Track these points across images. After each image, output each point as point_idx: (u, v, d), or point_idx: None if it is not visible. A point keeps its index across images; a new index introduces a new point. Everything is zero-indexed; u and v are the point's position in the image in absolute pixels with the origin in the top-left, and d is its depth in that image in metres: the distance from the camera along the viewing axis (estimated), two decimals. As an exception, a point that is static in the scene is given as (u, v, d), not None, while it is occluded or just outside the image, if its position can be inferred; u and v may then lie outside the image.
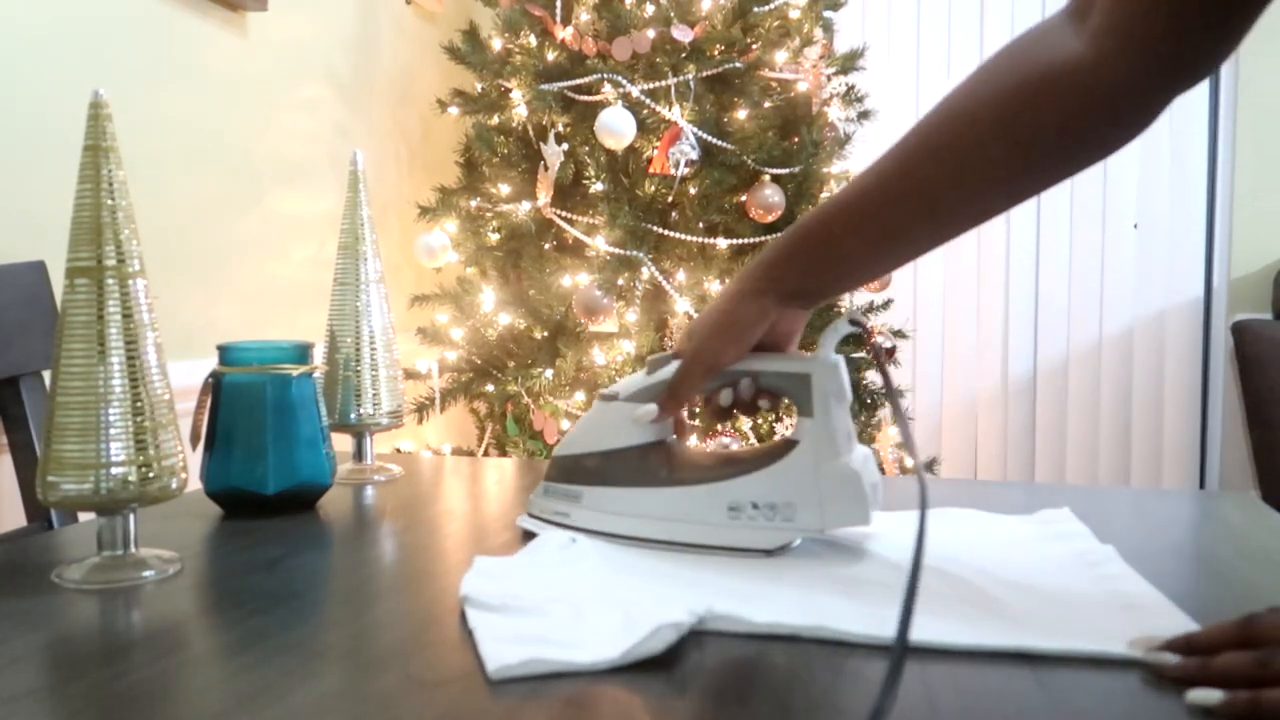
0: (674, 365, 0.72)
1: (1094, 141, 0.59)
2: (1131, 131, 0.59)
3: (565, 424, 1.97)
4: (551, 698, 0.46)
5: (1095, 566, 0.66)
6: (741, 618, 0.55)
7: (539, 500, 0.76)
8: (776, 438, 0.77)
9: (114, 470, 0.64)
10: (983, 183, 0.61)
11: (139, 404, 0.65)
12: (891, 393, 0.68)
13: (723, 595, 0.59)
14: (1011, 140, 0.58)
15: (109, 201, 0.65)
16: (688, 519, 0.70)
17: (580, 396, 1.99)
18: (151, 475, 0.66)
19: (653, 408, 0.72)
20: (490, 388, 2.04)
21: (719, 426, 1.90)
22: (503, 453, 2.10)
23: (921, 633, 0.53)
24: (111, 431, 0.64)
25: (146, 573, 0.65)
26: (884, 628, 0.54)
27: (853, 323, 0.69)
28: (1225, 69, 2.92)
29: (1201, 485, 3.02)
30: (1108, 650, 0.51)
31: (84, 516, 0.96)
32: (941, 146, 0.61)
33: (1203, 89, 2.90)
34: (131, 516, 0.67)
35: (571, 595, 0.59)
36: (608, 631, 0.52)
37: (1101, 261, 2.99)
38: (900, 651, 0.43)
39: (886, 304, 2.32)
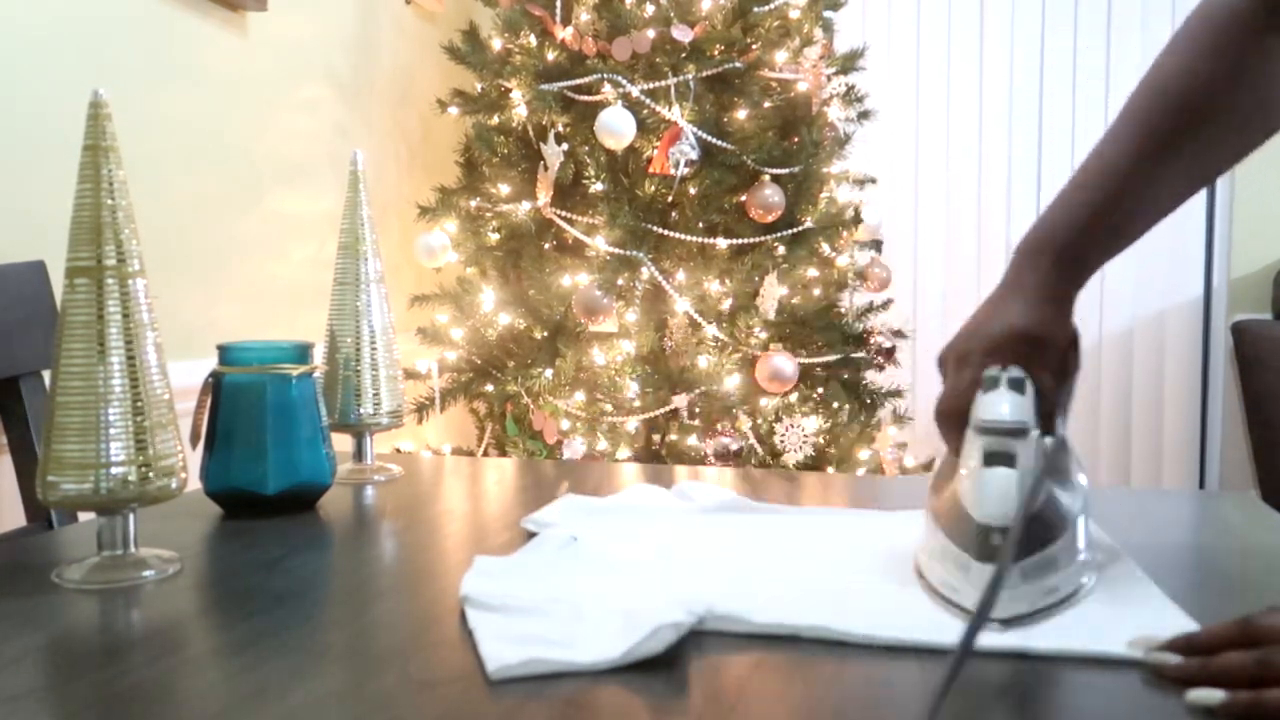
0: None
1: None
2: None
3: (565, 424, 1.97)
4: (551, 698, 0.46)
5: (1095, 568, 0.66)
6: (741, 618, 0.55)
7: (1013, 590, 0.55)
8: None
9: (114, 470, 0.64)
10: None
11: (139, 404, 0.65)
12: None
13: (723, 595, 0.59)
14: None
15: (109, 201, 0.65)
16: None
17: (580, 396, 1.99)
18: (151, 475, 0.66)
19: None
20: (490, 388, 2.04)
21: (717, 426, 1.90)
22: (503, 453, 2.10)
23: (920, 633, 0.53)
24: (111, 431, 0.64)
25: (146, 573, 0.65)
26: (883, 628, 0.54)
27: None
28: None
29: (1201, 485, 3.02)
30: (1108, 650, 0.51)
31: (84, 516, 0.96)
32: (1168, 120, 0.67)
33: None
34: (131, 516, 0.67)
35: (571, 595, 0.59)
36: (608, 632, 0.52)
37: (1101, 261, 2.98)
38: (961, 656, 0.43)
39: (886, 304, 2.32)
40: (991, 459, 0.58)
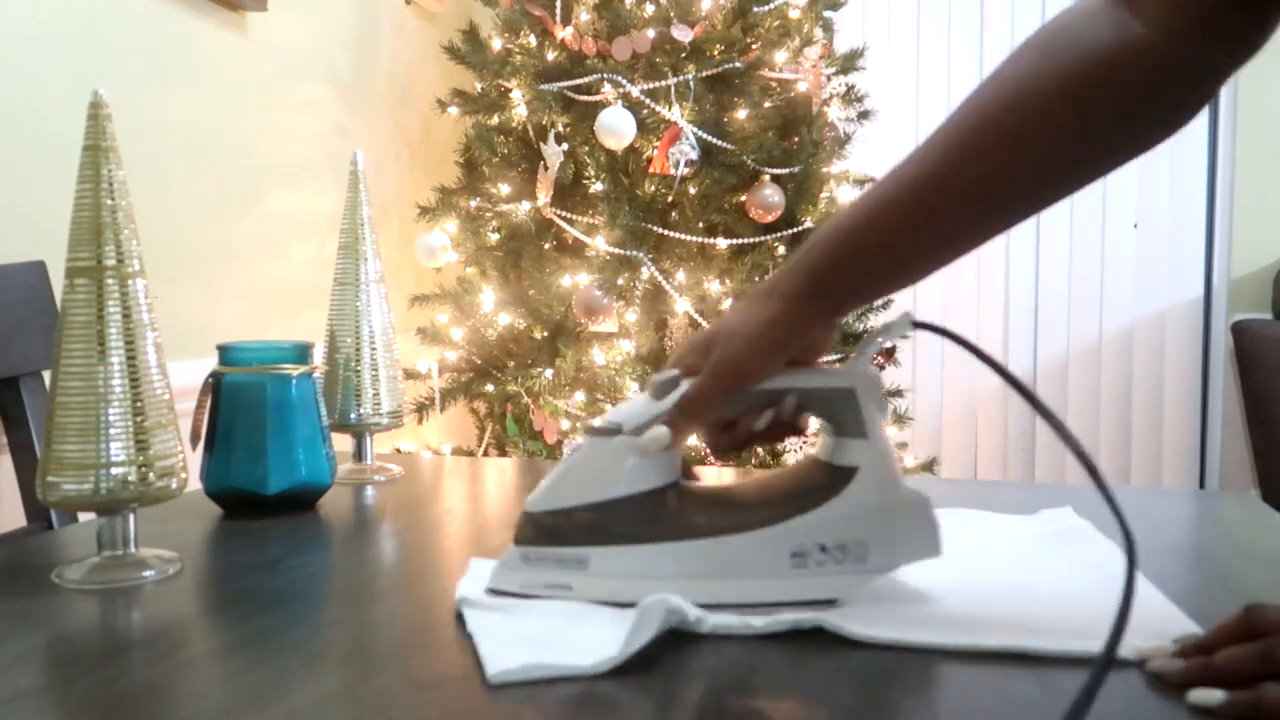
0: (685, 386, 0.60)
1: (1168, 119, 0.58)
2: (1199, 106, 0.58)
3: (565, 424, 1.97)
4: (551, 699, 0.46)
5: (1097, 567, 0.66)
6: (741, 625, 0.55)
7: (516, 572, 0.60)
8: (790, 460, 0.66)
9: (114, 470, 0.64)
10: (1054, 168, 0.58)
11: (139, 404, 0.65)
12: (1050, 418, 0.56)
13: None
14: (1084, 123, 0.56)
15: (109, 201, 0.65)
16: (743, 573, 0.58)
17: (580, 396, 1.99)
18: (151, 475, 0.66)
19: (663, 431, 0.59)
20: (490, 388, 2.04)
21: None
22: (503, 453, 2.10)
23: (921, 634, 0.53)
24: (111, 431, 0.64)
25: (146, 573, 0.65)
26: (883, 628, 0.54)
27: (916, 324, 0.61)
28: (1225, 69, 2.92)
29: (1201, 485, 3.02)
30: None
31: (84, 516, 0.96)
32: (1006, 133, 0.57)
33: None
34: (131, 516, 0.67)
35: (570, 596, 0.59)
36: (606, 633, 0.52)
37: (1101, 261, 2.99)
38: (1105, 664, 0.42)
39: (886, 304, 2.32)
40: (570, 454, 0.62)
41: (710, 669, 0.50)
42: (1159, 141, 0.59)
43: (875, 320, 2.24)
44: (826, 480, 0.60)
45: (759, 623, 0.54)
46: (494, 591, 0.60)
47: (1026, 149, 0.57)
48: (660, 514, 0.60)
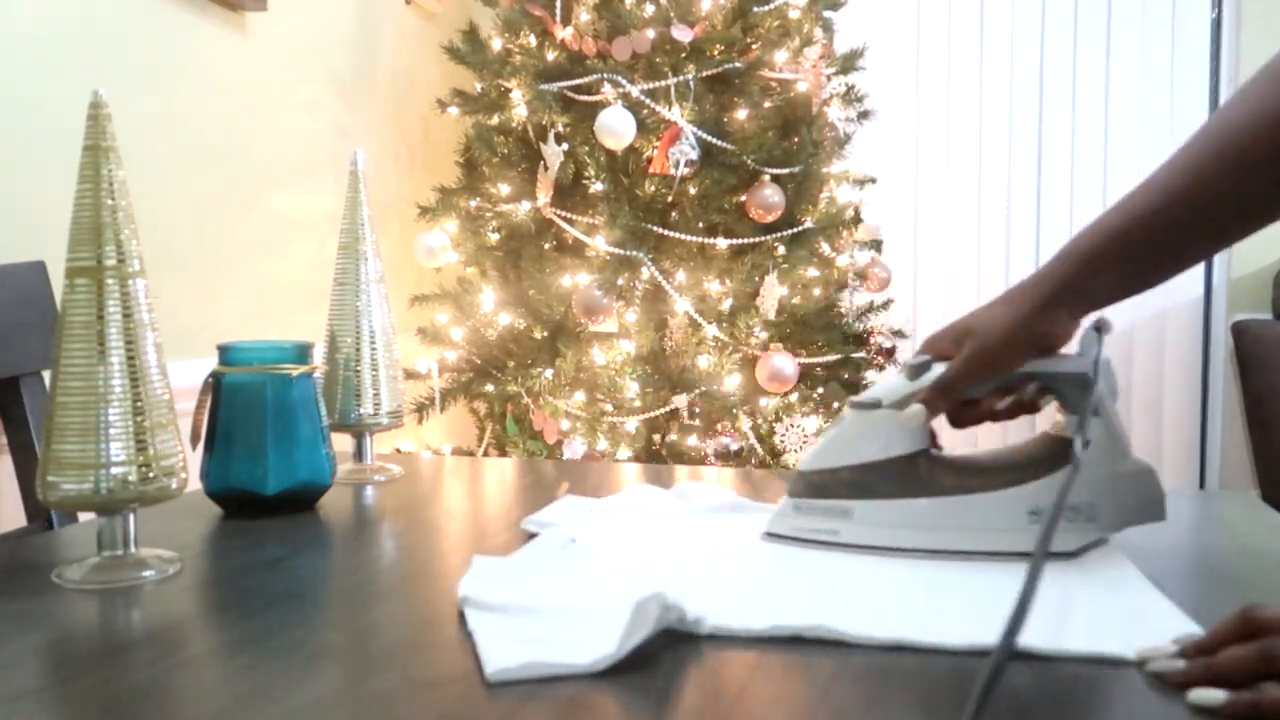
0: (939, 368, 0.70)
1: None
2: None
3: (565, 424, 1.97)
4: (551, 699, 0.46)
5: (1099, 568, 0.66)
6: (741, 627, 0.55)
7: (790, 519, 0.72)
8: (1034, 436, 0.75)
9: (114, 470, 0.64)
10: None
11: (139, 404, 0.65)
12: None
13: (724, 597, 0.59)
14: None
15: (109, 201, 0.65)
16: (986, 527, 0.68)
17: (581, 396, 1.99)
18: (151, 475, 0.66)
19: (920, 408, 0.70)
20: (490, 388, 2.04)
21: (717, 426, 1.90)
22: (503, 453, 2.10)
23: (921, 633, 0.53)
24: (111, 431, 0.64)
25: (146, 573, 0.65)
26: (882, 628, 0.54)
27: (1097, 329, 0.71)
28: (1226, 67, 2.92)
29: (1202, 485, 3.02)
30: (1106, 651, 0.51)
31: (84, 516, 0.96)
32: (1257, 158, 0.62)
33: (1203, 89, 2.90)
34: (131, 516, 0.67)
35: (570, 597, 0.59)
36: (606, 632, 0.52)
37: (1101, 261, 2.98)
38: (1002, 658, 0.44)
39: (887, 304, 2.32)
40: (837, 423, 0.73)
41: (710, 669, 0.50)
42: None
43: (876, 320, 2.24)
44: (1060, 450, 0.69)
45: (759, 625, 0.55)
46: (771, 535, 0.72)
47: (1266, 174, 0.62)
48: (914, 475, 0.70)
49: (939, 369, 0.70)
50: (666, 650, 0.52)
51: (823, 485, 0.71)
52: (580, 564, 0.66)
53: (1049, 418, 0.75)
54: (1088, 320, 0.70)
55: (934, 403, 0.70)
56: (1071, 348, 0.71)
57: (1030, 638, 0.52)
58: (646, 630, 0.51)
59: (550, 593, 0.60)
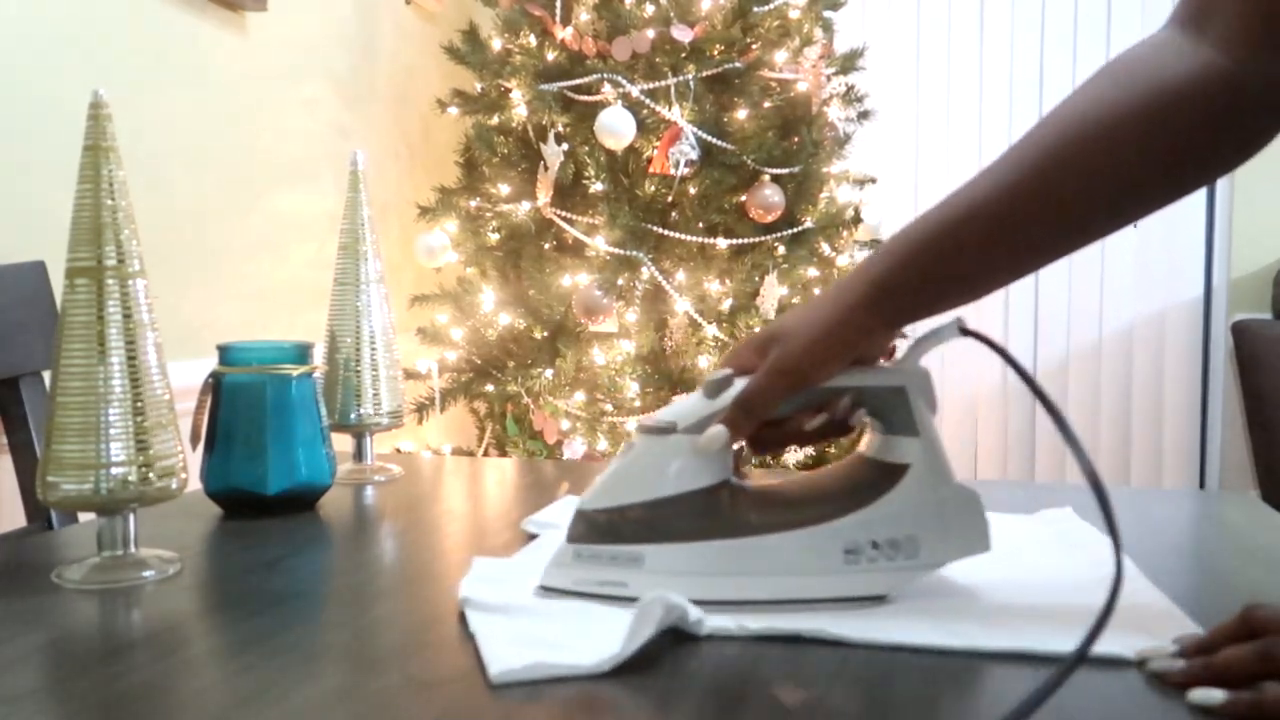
0: (741, 384, 0.61)
1: (1238, 148, 0.59)
2: (1270, 135, 0.59)
3: (565, 424, 1.97)
4: (552, 699, 0.46)
5: (1099, 566, 0.66)
6: (740, 627, 0.55)
7: (569, 569, 0.60)
8: (848, 457, 0.65)
9: (114, 470, 0.64)
10: (1122, 195, 0.59)
11: (139, 404, 0.65)
12: (1047, 404, 0.56)
13: (728, 598, 0.59)
14: (1154, 153, 0.57)
15: (109, 201, 0.65)
16: (796, 570, 0.59)
17: (581, 396, 1.99)
18: (151, 475, 0.65)
19: (721, 430, 0.60)
20: (490, 388, 2.04)
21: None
22: (503, 453, 2.10)
23: (921, 636, 0.53)
24: (111, 431, 0.64)
25: (146, 573, 0.65)
26: (881, 630, 0.54)
27: (964, 331, 0.62)
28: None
29: (1201, 485, 3.02)
30: (1107, 651, 0.51)
31: (84, 516, 0.96)
32: (1076, 159, 0.58)
33: (1203, 89, 2.90)
34: (131, 516, 0.67)
35: (570, 597, 0.59)
36: (610, 633, 0.52)
37: (1101, 261, 2.99)
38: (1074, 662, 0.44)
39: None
40: (623, 452, 0.63)
41: (710, 669, 0.50)
42: (1233, 167, 0.59)
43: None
44: (878, 477, 0.61)
45: (755, 625, 0.55)
46: (545, 589, 0.60)
47: (1097, 179, 0.58)
48: (714, 511, 0.60)
49: (741, 384, 0.61)
50: (667, 650, 0.52)
51: (608, 527, 0.60)
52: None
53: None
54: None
55: (736, 422, 0.60)
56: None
57: (1028, 638, 0.52)
58: (650, 631, 0.51)
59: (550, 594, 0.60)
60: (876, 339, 0.63)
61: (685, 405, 0.62)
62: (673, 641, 0.53)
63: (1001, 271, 0.61)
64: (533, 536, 0.75)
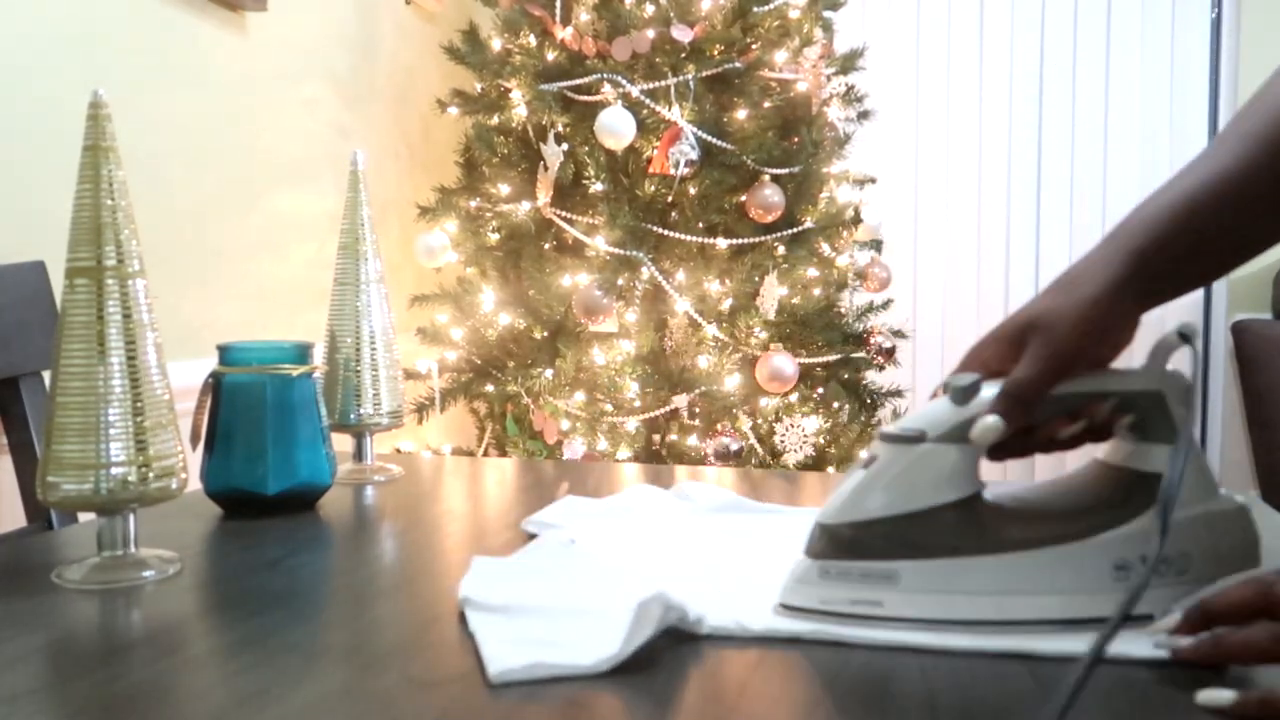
0: (991, 388, 0.57)
1: None
2: None
3: (565, 424, 1.97)
4: (552, 699, 0.46)
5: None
6: (740, 627, 0.55)
7: (814, 588, 0.56)
8: (1084, 465, 0.62)
9: (114, 470, 0.64)
10: None
11: (139, 404, 0.65)
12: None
13: (724, 597, 0.59)
14: None
15: (109, 201, 0.65)
16: (1064, 589, 0.55)
17: (581, 396, 1.99)
18: (151, 475, 0.66)
19: (995, 420, 0.55)
20: (490, 388, 2.04)
21: (717, 426, 1.90)
22: (503, 453, 2.10)
23: (924, 636, 0.53)
24: (111, 431, 0.64)
25: (146, 573, 0.65)
26: (881, 631, 0.54)
27: (1182, 336, 0.58)
28: (1226, 66, 2.92)
29: (1201, 485, 3.02)
30: (1109, 651, 0.50)
31: (84, 516, 0.96)
32: None
33: (1202, 88, 2.90)
34: (131, 516, 0.67)
35: (571, 597, 0.59)
36: (608, 632, 0.52)
37: (1101, 261, 2.98)
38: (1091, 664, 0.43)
39: (886, 304, 2.32)
40: (865, 463, 0.59)
41: (710, 669, 0.50)
42: None
43: (876, 320, 2.24)
44: (1135, 488, 0.57)
45: (758, 626, 0.55)
46: (788, 608, 0.57)
47: None
48: (972, 525, 0.57)
49: (992, 389, 0.57)
50: (667, 650, 0.52)
51: (856, 542, 0.56)
52: (580, 565, 0.66)
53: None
54: (1153, 323, 0.59)
55: (1011, 414, 0.56)
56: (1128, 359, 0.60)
57: (1031, 641, 0.52)
58: (649, 630, 0.51)
59: (551, 594, 0.60)
60: (1128, 324, 0.58)
61: (933, 412, 0.58)
62: (673, 641, 0.53)
63: (1255, 243, 0.58)
64: (533, 536, 0.75)
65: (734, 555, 0.69)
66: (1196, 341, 0.58)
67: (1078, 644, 0.51)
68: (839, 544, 0.57)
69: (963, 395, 0.57)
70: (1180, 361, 0.58)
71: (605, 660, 0.49)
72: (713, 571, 0.65)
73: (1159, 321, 2.80)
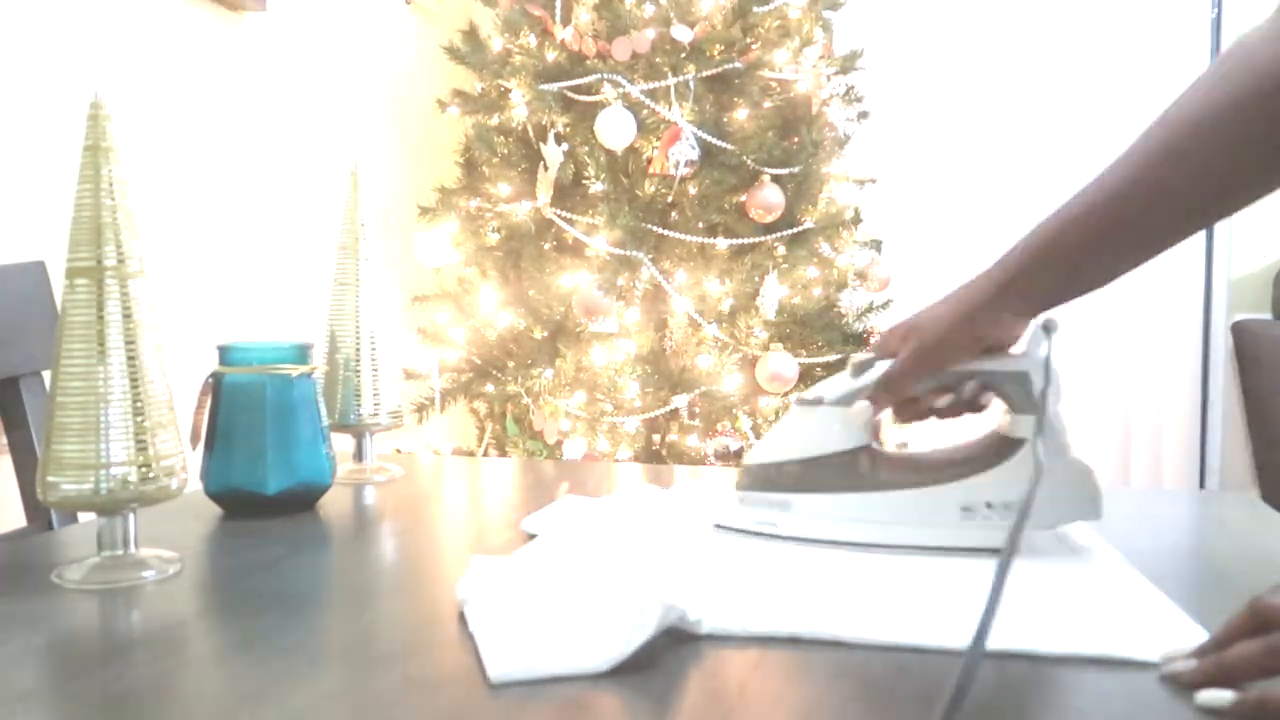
0: (882, 366, 0.72)
1: None
2: None
3: (565, 424, 1.97)
4: (551, 698, 0.46)
5: (1100, 571, 0.65)
6: (739, 628, 0.55)
7: (735, 511, 0.75)
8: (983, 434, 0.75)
9: (114, 470, 0.64)
10: (1230, 182, 0.64)
11: (139, 404, 0.65)
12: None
13: (722, 597, 0.59)
14: (1259, 139, 0.61)
15: (109, 202, 0.65)
16: (917, 522, 0.70)
17: (581, 396, 1.99)
18: (151, 475, 0.65)
19: (866, 406, 0.72)
20: (490, 388, 2.04)
21: (717, 426, 1.90)
22: (503, 453, 2.10)
23: (924, 636, 0.53)
24: (111, 431, 0.64)
25: (146, 573, 0.65)
26: (880, 630, 0.54)
27: (1045, 329, 0.71)
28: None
29: (1201, 485, 3.02)
30: (1110, 653, 0.51)
31: (84, 516, 0.96)
32: (1185, 151, 0.63)
33: (1203, 89, 2.90)
34: (131, 516, 0.67)
35: (571, 598, 0.59)
36: (609, 633, 0.52)
37: (1101, 261, 2.99)
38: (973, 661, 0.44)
39: (887, 304, 2.32)
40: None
41: (710, 668, 0.50)
42: None
43: (876, 320, 2.24)
44: (999, 448, 0.71)
45: (757, 628, 0.55)
46: (719, 526, 0.75)
47: (1205, 170, 0.63)
48: (853, 470, 0.72)
49: (884, 366, 0.72)
50: (667, 650, 0.52)
51: (765, 478, 0.73)
52: (579, 565, 0.66)
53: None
54: (1038, 321, 0.71)
55: (878, 398, 0.72)
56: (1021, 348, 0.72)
57: (1034, 641, 0.52)
58: (649, 631, 0.51)
59: (550, 594, 0.60)
60: (1006, 327, 0.71)
61: (833, 382, 0.74)
62: (673, 642, 0.53)
63: (1121, 262, 0.67)
64: (532, 537, 0.75)
65: (731, 556, 0.69)
66: (1054, 335, 0.71)
67: (1080, 645, 0.51)
68: (752, 479, 0.74)
69: (857, 370, 0.73)
70: (1046, 349, 0.71)
71: (605, 661, 0.49)
72: (710, 572, 0.65)
73: (1159, 318, 2.78)
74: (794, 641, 0.54)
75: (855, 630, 0.54)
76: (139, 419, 0.65)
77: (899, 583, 0.63)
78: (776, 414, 1.95)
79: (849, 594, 0.61)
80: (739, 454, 1.89)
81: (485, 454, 2.14)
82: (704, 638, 0.54)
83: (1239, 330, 2.84)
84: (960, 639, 0.52)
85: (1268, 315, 2.91)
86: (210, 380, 0.84)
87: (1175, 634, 0.52)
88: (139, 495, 0.65)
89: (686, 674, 0.50)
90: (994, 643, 0.52)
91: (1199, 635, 0.52)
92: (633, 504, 0.83)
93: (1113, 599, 0.60)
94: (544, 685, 0.48)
